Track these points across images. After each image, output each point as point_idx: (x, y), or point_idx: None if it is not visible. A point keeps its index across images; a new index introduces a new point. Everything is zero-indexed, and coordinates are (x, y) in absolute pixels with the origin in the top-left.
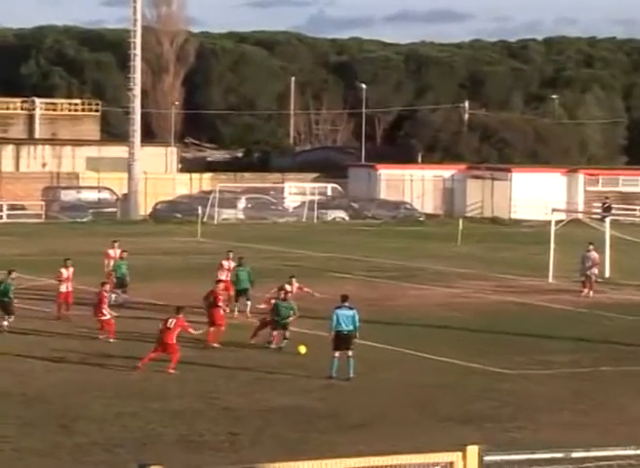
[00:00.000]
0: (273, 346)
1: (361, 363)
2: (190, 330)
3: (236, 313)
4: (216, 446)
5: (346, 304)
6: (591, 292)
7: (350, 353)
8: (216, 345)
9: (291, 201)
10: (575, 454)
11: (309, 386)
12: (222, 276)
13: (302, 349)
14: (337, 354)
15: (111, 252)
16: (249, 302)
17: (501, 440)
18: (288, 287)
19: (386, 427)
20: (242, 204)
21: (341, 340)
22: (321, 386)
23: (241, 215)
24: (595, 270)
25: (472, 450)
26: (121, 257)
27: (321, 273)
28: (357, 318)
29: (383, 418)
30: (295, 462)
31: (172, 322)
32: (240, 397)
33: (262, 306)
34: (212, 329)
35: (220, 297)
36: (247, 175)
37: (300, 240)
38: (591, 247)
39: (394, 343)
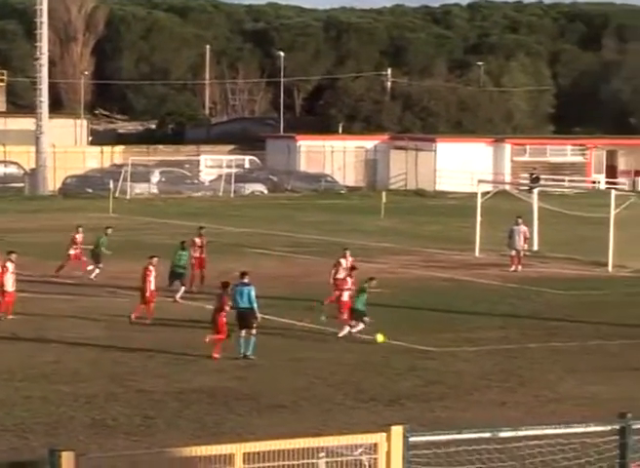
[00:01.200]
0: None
1: (282, 342)
2: (226, 307)
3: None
4: (130, 430)
5: (244, 280)
6: (520, 267)
7: (253, 331)
8: (147, 321)
9: (207, 174)
10: (502, 434)
11: (228, 367)
12: (196, 253)
13: (380, 338)
14: (242, 333)
15: (78, 237)
16: (183, 288)
17: (427, 420)
18: (343, 261)
19: (308, 408)
20: (156, 178)
21: (240, 318)
22: (240, 367)
23: (155, 190)
24: (525, 244)
25: (397, 431)
26: (105, 234)
27: (239, 249)
28: (252, 295)
29: (305, 399)
30: (212, 445)
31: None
32: (156, 379)
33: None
34: (142, 305)
35: (150, 272)
36: (160, 147)
37: (217, 215)
38: (520, 220)
39: (316, 322)
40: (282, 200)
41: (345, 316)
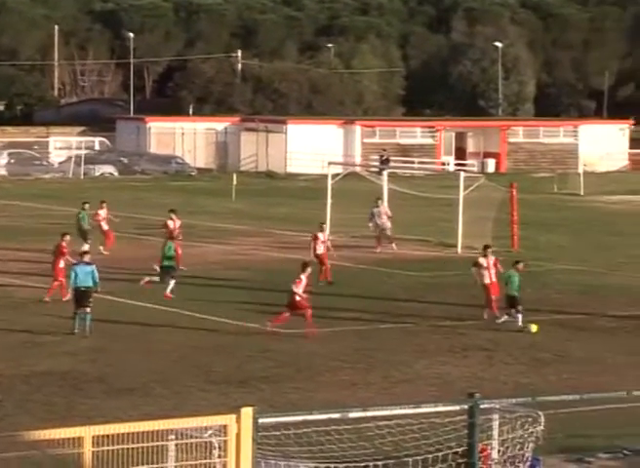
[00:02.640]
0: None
1: (133, 324)
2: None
3: None
4: None
5: (85, 260)
6: (379, 248)
7: (88, 309)
8: (47, 299)
9: (56, 156)
10: (352, 414)
11: (79, 350)
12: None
13: (534, 328)
14: (79, 311)
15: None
16: (173, 281)
17: (279, 401)
18: (320, 235)
19: (160, 391)
20: (4, 159)
21: (80, 296)
22: (90, 349)
23: (3, 172)
24: (388, 223)
25: (246, 413)
26: (83, 209)
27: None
28: (95, 274)
29: (157, 382)
30: (60, 428)
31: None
32: (4, 362)
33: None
34: (55, 283)
35: (65, 251)
36: (9, 128)
37: (67, 197)
38: (380, 201)
39: (168, 304)
40: (132, 182)
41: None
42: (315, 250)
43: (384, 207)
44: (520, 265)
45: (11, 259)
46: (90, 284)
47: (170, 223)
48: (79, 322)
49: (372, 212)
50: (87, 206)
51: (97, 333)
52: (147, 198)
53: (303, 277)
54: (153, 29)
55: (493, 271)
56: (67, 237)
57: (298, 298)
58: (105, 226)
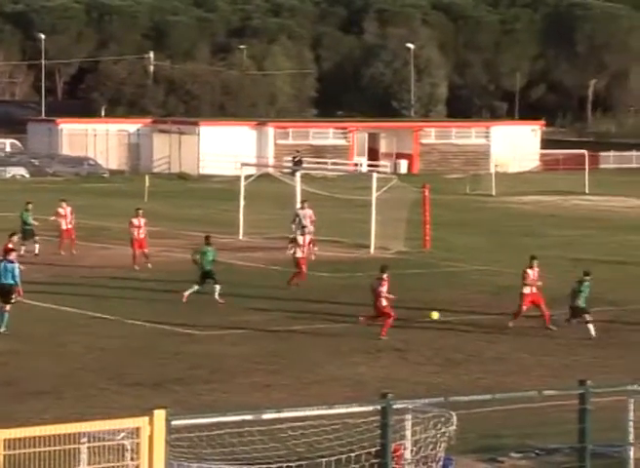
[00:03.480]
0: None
1: (43, 327)
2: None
3: None
4: None
5: (9, 258)
6: (315, 248)
7: (8, 307)
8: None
9: None
10: (265, 416)
11: None
12: (134, 232)
13: (435, 315)
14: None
15: (61, 211)
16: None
17: (192, 403)
18: (300, 238)
19: (71, 394)
20: None
21: (2, 294)
22: (0, 352)
23: None
24: (311, 227)
25: (159, 415)
26: (26, 209)
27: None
28: (16, 272)
29: (68, 385)
30: None
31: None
32: None
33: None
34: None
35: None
36: None
37: None
38: (306, 204)
39: (79, 306)
40: (44, 184)
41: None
42: (295, 253)
43: (309, 210)
44: (588, 276)
45: None
46: (11, 281)
47: (134, 221)
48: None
49: (296, 213)
50: (30, 206)
51: (7, 336)
52: (57, 200)
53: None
54: (65, 31)
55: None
56: (14, 238)
57: (384, 302)
58: (65, 226)
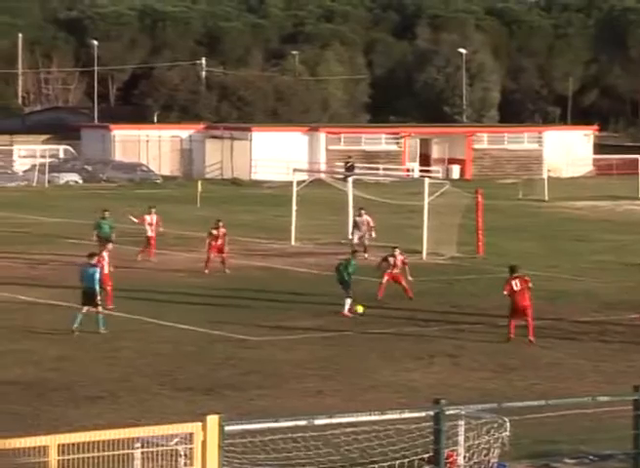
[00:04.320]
0: None
1: (97, 333)
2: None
3: None
4: None
5: (91, 262)
6: (366, 255)
7: (99, 308)
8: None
9: (20, 164)
10: (318, 421)
11: (43, 359)
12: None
13: (360, 308)
14: (84, 310)
15: (148, 218)
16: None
17: (245, 409)
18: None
19: (125, 399)
20: None
21: (84, 296)
22: (54, 357)
23: None
24: (370, 233)
25: (212, 421)
26: (103, 217)
27: (54, 239)
28: (96, 276)
29: (122, 390)
30: (25, 438)
31: (517, 283)
32: None
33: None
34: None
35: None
36: None
37: (31, 205)
38: (363, 211)
39: (133, 311)
40: (98, 190)
41: None
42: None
43: (366, 216)
44: None
45: None
46: (91, 285)
47: (147, 218)
48: (79, 320)
49: (354, 220)
50: (107, 213)
51: (62, 342)
52: (110, 206)
53: (514, 283)
54: (118, 37)
55: None
56: (110, 245)
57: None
58: (150, 233)
